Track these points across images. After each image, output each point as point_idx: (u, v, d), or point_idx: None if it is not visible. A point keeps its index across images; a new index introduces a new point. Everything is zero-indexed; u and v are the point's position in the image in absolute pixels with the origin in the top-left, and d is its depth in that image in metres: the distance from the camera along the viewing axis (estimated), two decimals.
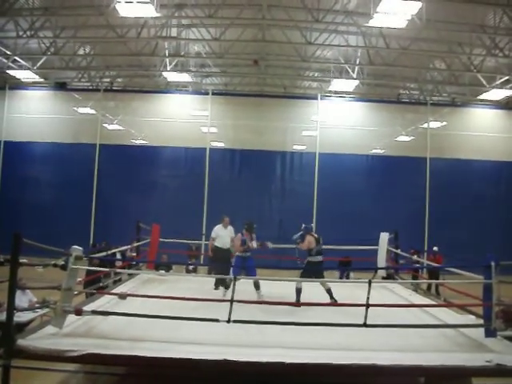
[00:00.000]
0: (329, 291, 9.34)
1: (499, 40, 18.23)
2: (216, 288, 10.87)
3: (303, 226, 10.15)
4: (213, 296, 9.24)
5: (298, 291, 9.22)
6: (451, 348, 6.64)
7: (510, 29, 17.17)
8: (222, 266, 11.26)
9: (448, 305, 9.79)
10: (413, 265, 14.94)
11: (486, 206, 23.52)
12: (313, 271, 9.48)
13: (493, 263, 6.71)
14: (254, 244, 10.28)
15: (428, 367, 5.87)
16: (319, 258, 9.77)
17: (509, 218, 23.87)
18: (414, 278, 15.32)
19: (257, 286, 9.77)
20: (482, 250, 10.21)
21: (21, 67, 21.47)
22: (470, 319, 8.13)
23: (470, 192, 23.49)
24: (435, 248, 17.22)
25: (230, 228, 11.87)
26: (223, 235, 11.69)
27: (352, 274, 17.43)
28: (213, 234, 11.86)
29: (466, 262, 13.43)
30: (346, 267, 16.88)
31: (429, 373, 6.18)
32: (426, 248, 20.60)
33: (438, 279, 14.37)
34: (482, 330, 6.84)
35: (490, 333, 6.71)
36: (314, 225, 10.33)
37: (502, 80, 20.72)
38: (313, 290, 9.58)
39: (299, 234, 10.08)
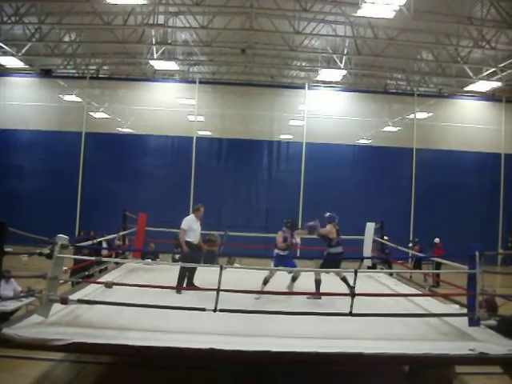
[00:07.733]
0: (344, 279, 8.96)
1: (486, 32, 18.33)
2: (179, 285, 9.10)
3: (327, 214, 9.89)
4: (199, 284, 9.21)
5: (318, 282, 8.96)
6: (435, 337, 6.70)
7: (497, 21, 17.26)
8: (193, 262, 9.68)
9: (432, 294, 9.88)
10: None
11: (470, 196, 23.76)
12: (333, 262, 9.39)
13: (477, 253, 6.77)
14: (298, 239, 9.91)
15: (412, 356, 5.93)
16: (340, 249, 9.63)
17: (493, 208, 24.14)
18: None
19: (294, 279, 9.27)
20: (466, 239, 10.28)
21: (5, 53, 21.16)
22: (454, 308, 8.22)
23: (456, 182, 23.73)
24: (437, 240, 17.16)
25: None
26: (196, 229, 9.84)
27: None
28: (184, 226, 9.68)
29: (450, 251, 13.58)
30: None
31: (413, 361, 6.26)
32: (411, 237, 20.73)
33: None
34: (465, 319, 6.92)
35: (473, 322, 6.78)
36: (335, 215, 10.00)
37: (489, 72, 20.87)
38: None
39: (313, 222, 9.74)
